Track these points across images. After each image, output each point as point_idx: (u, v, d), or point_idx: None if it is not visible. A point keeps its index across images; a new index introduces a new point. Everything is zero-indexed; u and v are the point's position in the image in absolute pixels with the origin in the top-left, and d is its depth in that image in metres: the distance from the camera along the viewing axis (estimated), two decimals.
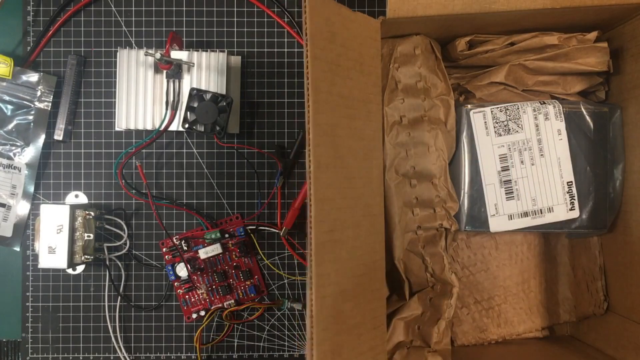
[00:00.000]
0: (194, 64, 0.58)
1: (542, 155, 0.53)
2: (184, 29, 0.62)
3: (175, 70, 0.58)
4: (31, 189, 0.61)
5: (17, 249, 0.61)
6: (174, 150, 0.62)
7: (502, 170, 0.53)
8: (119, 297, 0.61)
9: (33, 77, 0.60)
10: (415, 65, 0.53)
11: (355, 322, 0.44)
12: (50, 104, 0.60)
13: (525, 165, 0.53)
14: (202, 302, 0.61)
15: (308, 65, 0.39)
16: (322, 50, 0.41)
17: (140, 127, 0.60)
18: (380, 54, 0.51)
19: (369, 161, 0.48)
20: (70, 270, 0.61)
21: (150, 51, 0.56)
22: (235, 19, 0.62)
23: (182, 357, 0.62)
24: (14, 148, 0.60)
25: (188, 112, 0.56)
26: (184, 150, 0.62)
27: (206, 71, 0.59)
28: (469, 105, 0.53)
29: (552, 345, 0.57)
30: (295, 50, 0.62)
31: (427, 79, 0.53)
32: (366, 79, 0.47)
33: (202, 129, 0.56)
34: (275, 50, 0.62)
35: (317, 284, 0.39)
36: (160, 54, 0.55)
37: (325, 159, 0.41)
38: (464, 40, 0.53)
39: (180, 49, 0.59)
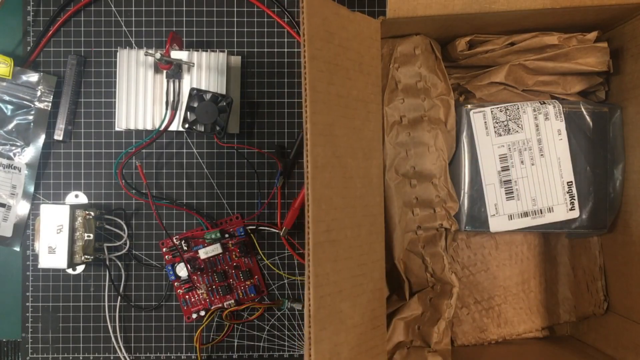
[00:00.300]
0: (194, 64, 0.58)
1: (542, 155, 0.53)
2: (184, 29, 0.62)
3: (175, 70, 0.58)
4: (31, 189, 0.61)
5: (17, 249, 0.61)
6: (174, 150, 0.62)
7: (502, 170, 0.53)
8: (119, 297, 0.61)
9: (33, 77, 0.60)
10: (415, 65, 0.53)
11: (354, 322, 0.44)
12: (50, 104, 0.60)
13: (525, 165, 0.53)
14: (202, 302, 0.61)
15: (305, 65, 0.39)
16: (320, 50, 0.41)
17: (140, 127, 0.60)
18: (381, 54, 0.51)
19: (369, 161, 0.48)
20: (70, 270, 0.61)
21: (150, 51, 0.56)
22: (235, 19, 0.62)
23: (182, 357, 0.62)
24: (14, 148, 0.60)
25: (188, 112, 0.56)
26: (184, 150, 0.62)
27: (206, 71, 0.59)
28: (469, 105, 0.53)
29: (552, 345, 0.57)
30: (295, 50, 0.62)
31: (427, 79, 0.53)
32: (366, 78, 0.47)
33: (202, 129, 0.56)
34: (275, 50, 0.62)
35: (315, 284, 0.39)
36: (160, 54, 0.55)
37: (323, 159, 0.41)
38: (464, 40, 0.53)
39: (180, 49, 0.59)
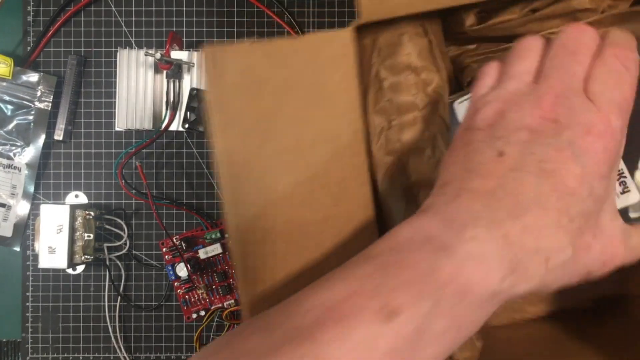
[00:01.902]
0: (194, 64, 0.58)
1: None
2: (184, 29, 0.62)
3: (175, 70, 0.58)
4: (31, 189, 0.61)
5: (17, 249, 0.61)
6: (174, 150, 0.62)
7: None
8: (119, 297, 0.61)
9: (33, 77, 0.60)
10: (403, 55, 0.44)
11: None
12: (50, 104, 0.60)
13: None
14: (202, 302, 0.61)
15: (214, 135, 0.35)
16: (240, 112, 0.35)
17: (140, 127, 0.60)
18: (355, 65, 0.40)
19: (348, 183, 0.39)
20: (70, 270, 0.61)
21: (150, 51, 0.56)
22: (235, 19, 0.62)
23: (182, 357, 0.62)
24: (14, 148, 0.60)
25: (188, 112, 0.56)
26: (184, 150, 0.62)
27: None
28: (453, 96, 0.46)
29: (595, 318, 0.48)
30: None
31: (418, 71, 0.44)
32: (334, 101, 0.39)
33: (202, 129, 0.56)
34: None
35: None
36: (160, 54, 0.55)
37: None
38: (473, 13, 0.44)
39: (180, 49, 0.59)
